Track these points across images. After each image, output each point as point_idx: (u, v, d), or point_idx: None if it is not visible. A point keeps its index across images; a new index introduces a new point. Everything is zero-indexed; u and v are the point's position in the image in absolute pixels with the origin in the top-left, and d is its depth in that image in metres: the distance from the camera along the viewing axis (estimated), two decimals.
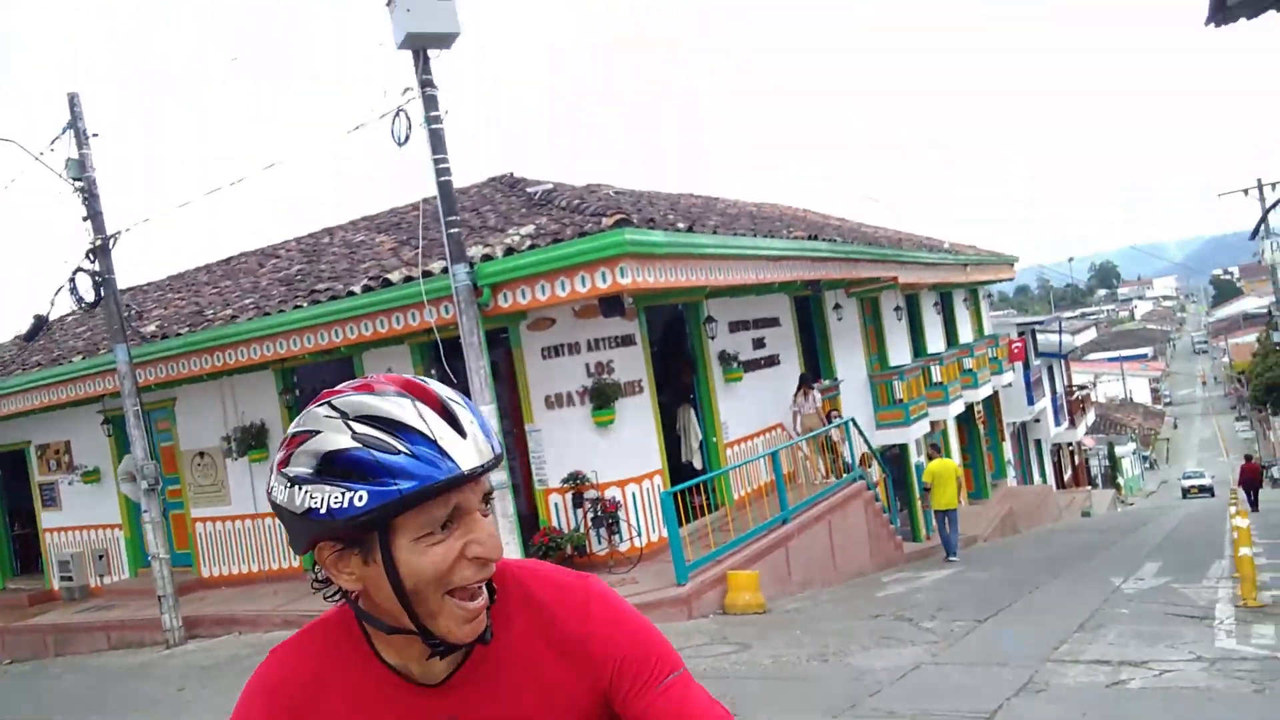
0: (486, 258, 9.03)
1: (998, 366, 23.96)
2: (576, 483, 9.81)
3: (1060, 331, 32.93)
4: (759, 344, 13.22)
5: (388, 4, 8.36)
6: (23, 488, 15.70)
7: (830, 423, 12.98)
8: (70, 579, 13.90)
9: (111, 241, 11.00)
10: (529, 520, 10.07)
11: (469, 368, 8.81)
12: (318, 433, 1.01)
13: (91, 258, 11.10)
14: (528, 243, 9.07)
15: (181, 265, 18.84)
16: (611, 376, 9.93)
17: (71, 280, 11.21)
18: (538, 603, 1.14)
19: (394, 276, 9.76)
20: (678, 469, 10.97)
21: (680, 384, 11.88)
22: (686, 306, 11.66)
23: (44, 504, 15.26)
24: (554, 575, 1.17)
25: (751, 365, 12.73)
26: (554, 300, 8.93)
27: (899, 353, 18.54)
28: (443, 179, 8.71)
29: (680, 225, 9.62)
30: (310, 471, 1.00)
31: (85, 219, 11.01)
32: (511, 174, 13.84)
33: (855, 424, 13.25)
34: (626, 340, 10.22)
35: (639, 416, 10.21)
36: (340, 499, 0.98)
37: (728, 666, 6.67)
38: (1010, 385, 25.46)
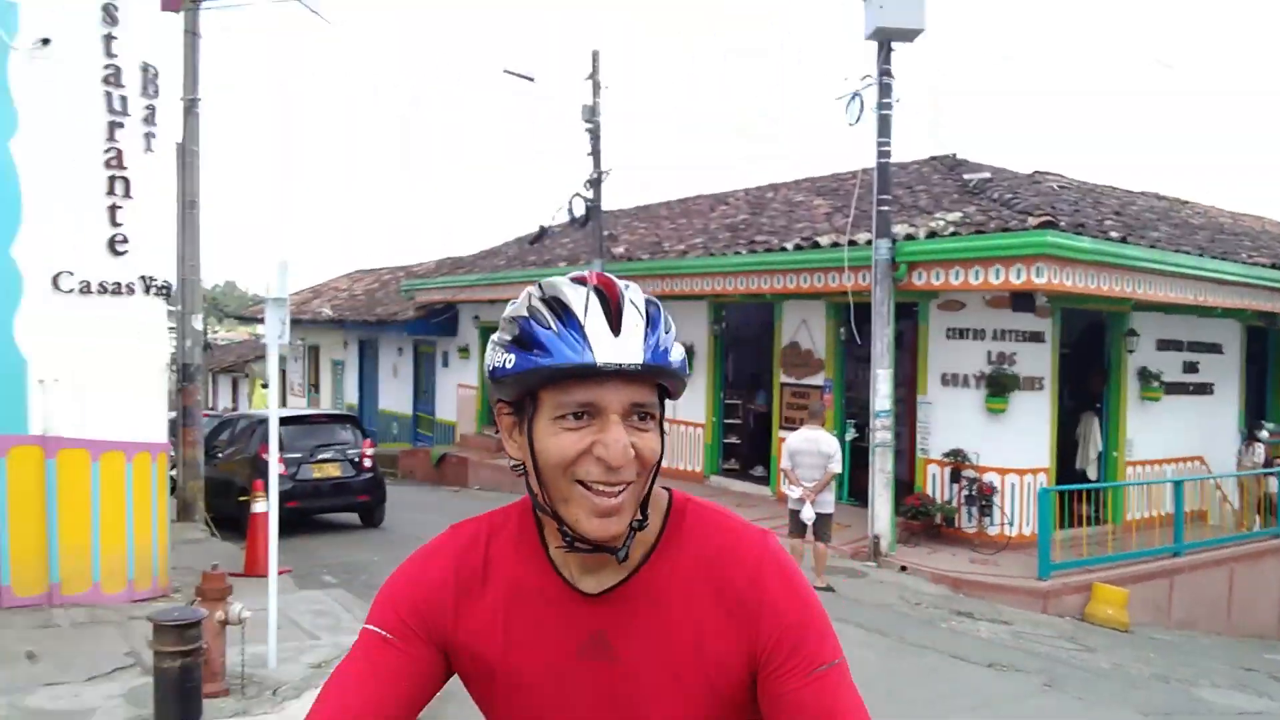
0: (909, 237, 9.75)
1: None
2: (957, 459, 10.32)
3: None
4: (1190, 368, 12.35)
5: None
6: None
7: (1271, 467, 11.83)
8: None
9: (604, 176, 13.40)
10: (906, 485, 10.79)
11: (873, 333, 9.69)
12: (517, 305, 1.08)
13: (587, 186, 13.62)
14: (950, 229, 9.62)
15: (648, 198, 21.64)
16: (1011, 368, 10.20)
17: (569, 202, 13.88)
18: (712, 547, 1.12)
19: (823, 240, 10.86)
20: (1069, 474, 10.93)
21: (1088, 391, 11.65)
22: (1109, 315, 11.35)
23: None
24: (734, 524, 1.15)
25: (1176, 388, 12.00)
26: (966, 287, 9.43)
27: None
28: (882, 160, 9.55)
29: (1113, 234, 9.49)
30: (500, 335, 1.07)
31: (588, 154, 13.51)
32: (954, 155, 14.12)
33: None
34: (1034, 336, 10.36)
35: (1034, 411, 10.37)
36: (501, 360, 1.05)
37: (1062, 655, 7.02)
38: None
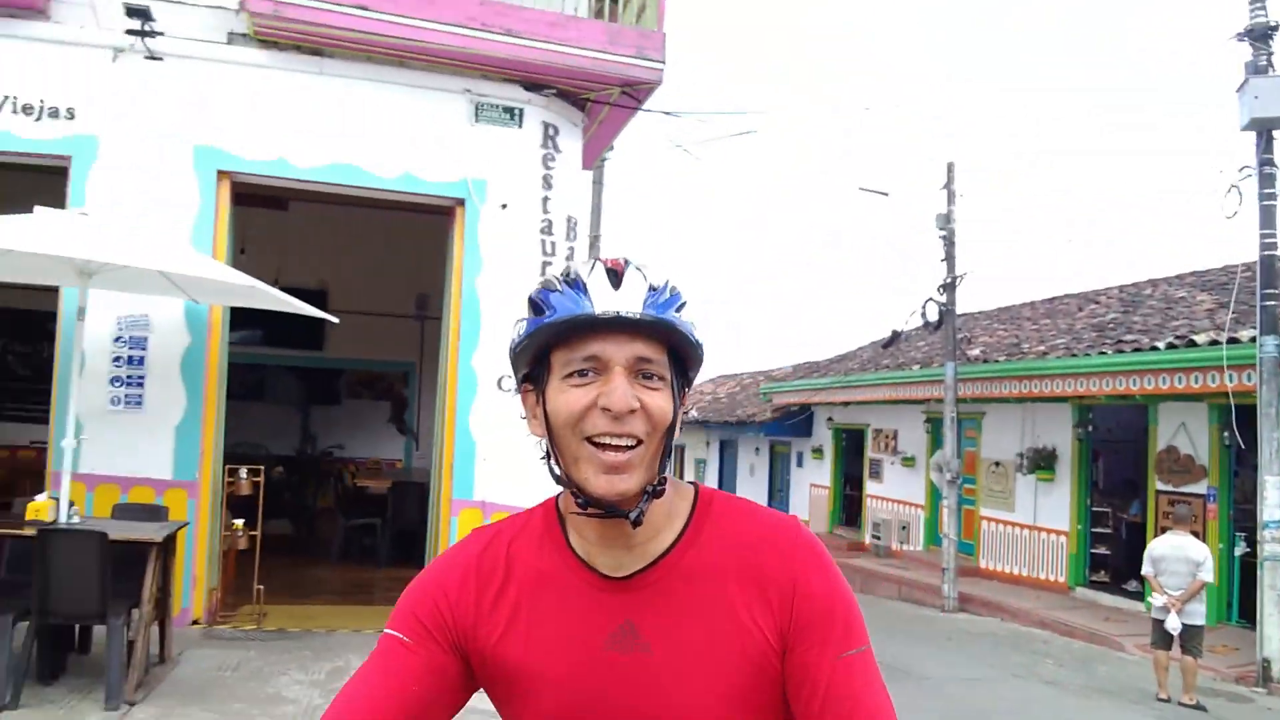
0: None
1: None
2: None
3: None
4: None
5: (1237, 90, 8.92)
6: (857, 460, 19.99)
7: None
8: (879, 538, 17.46)
9: (958, 280, 13.64)
10: None
11: (1261, 436, 8.92)
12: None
13: (941, 291, 13.92)
14: None
15: (1008, 299, 21.12)
16: None
17: (923, 307, 14.24)
18: (742, 532, 1.12)
19: (1200, 338, 10.21)
20: None
21: None
22: None
23: (870, 475, 19.24)
24: (762, 511, 1.15)
25: None
26: None
27: None
28: (1266, 253, 8.94)
29: None
30: (519, 318, 1.09)
31: (942, 260, 13.86)
32: None
33: None
34: None
35: None
36: (516, 333, 1.08)
37: None
38: None
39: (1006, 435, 14.75)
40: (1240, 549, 10.39)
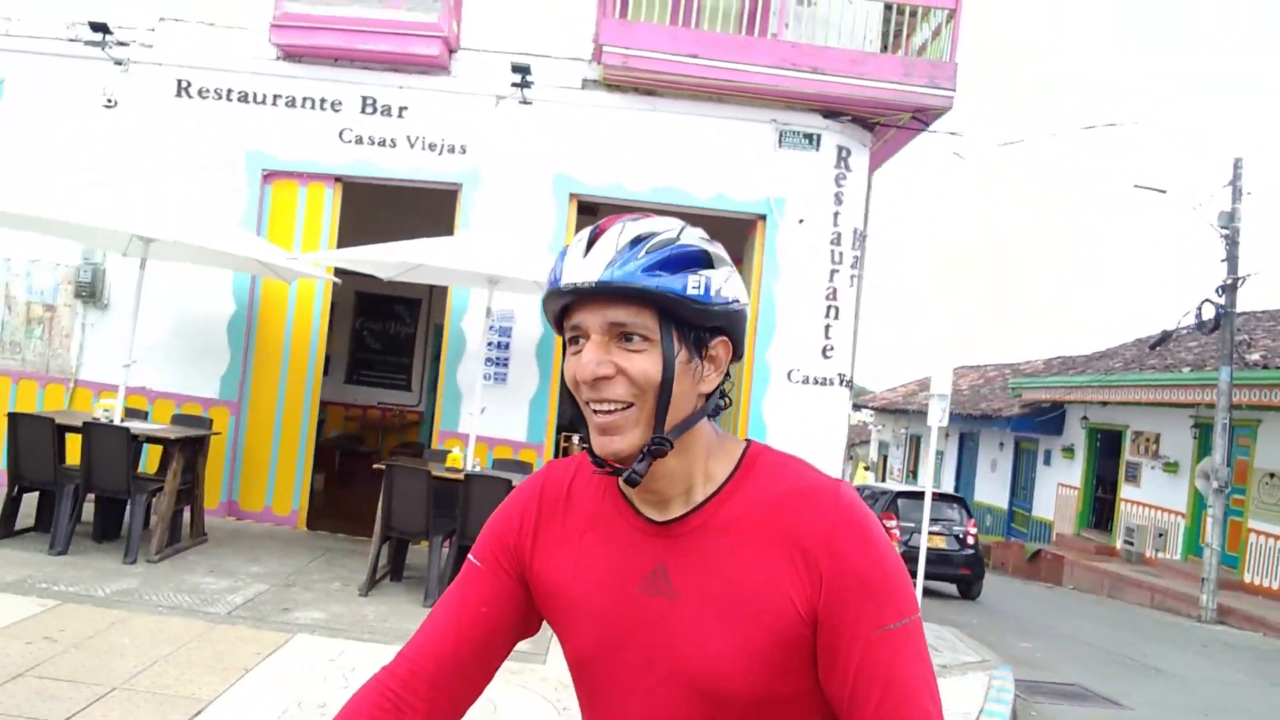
0: None
1: None
2: None
3: None
4: None
5: None
6: (1112, 462, 19.39)
7: None
8: (1131, 544, 17.00)
9: (1240, 281, 13.15)
10: None
11: None
12: None
13: (1219, 292, 13.46)
14: None
15: None
16: None
17: (1199, 307, 13.82)
18: (781, 492, 1.08)
19: None
20: None
21: None
22: None
23: (1126, 478, 18.65)
24: (808, 471, 1.11)
25: None
26: None
27: None
28: None
29: None
30: None
31: (1223, 260, 13.40)
32: None
33: None
34: None
35: None
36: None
37: None
38: None
39: None
40: None
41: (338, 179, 7.89)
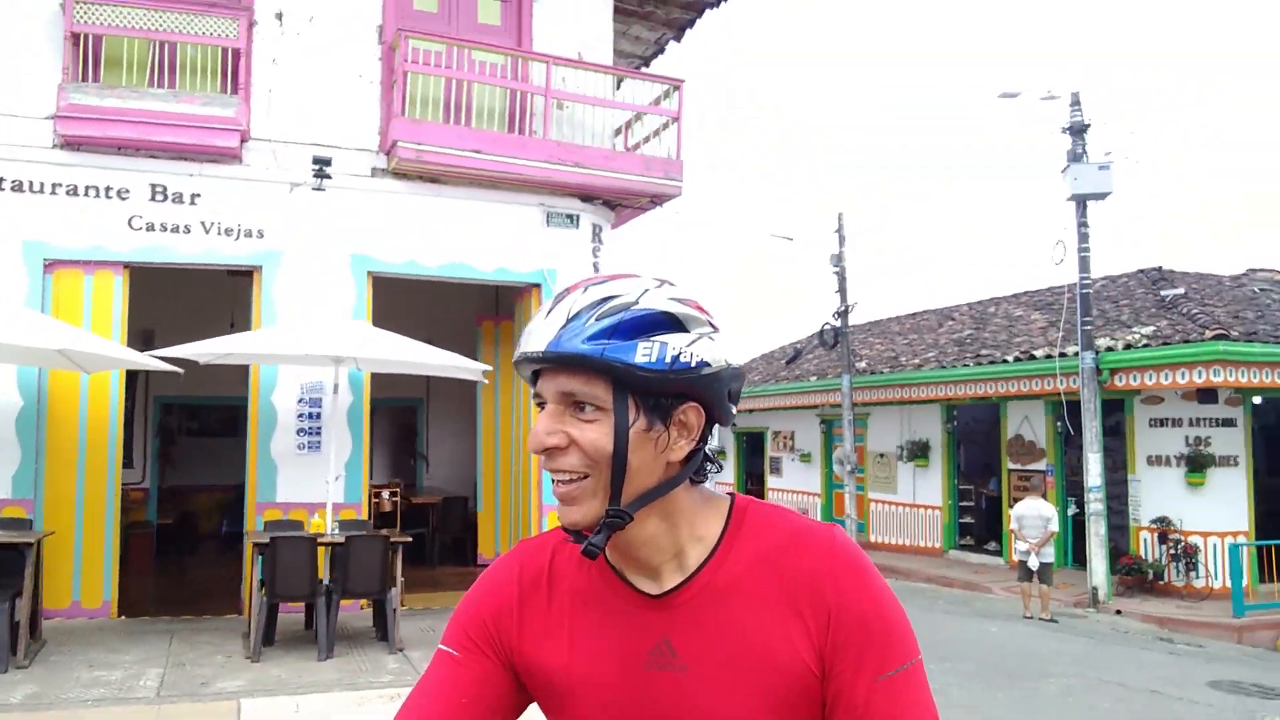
0: (1109, 349, 12.48)
1: None
2: (1164, 525, 12.63)
3: None
4: None
5: (1062, 172, 12.36)
6: (757, 458, 23.15)
7: None
8: None
9: (850, 308, 16.87)
10: (1122, 552, 13.13)
11: (1084, 425, 12.40)
12: None
13: (835, 317, 17.13)
14: (1144, 341, 12.27)
15: (878, 313, 24.84)
16: (1207, 449, 12.50)
17: (820, 330, 17.41)
18: (776, 543, 1.07)
19: (1038, 353, 13.71)
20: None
21: None
22: None
23: (771, 471, 22.42)
24: (798, 520, 1.10)
25: None
26: (1159, 386, 12.02)
27: None
28: (1084, 290, 12.44)
29: None
30: None
31: (836, 291, 17.07)
32: (1159, 268, 16.40)
33: None
34: (1227, 422, 12.64)
35: (1231, 484, 12.56)
36: None
37: (1242, 672, 9.38)
38: None
39: (889, 431, 18.13)
40: (1072, 510, 13.96)
41: (126, 265, 7.92)
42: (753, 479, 23.92)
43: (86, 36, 7.55)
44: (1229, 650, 10.23)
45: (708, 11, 11.06)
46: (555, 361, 1.01)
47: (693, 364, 1.02)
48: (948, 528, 16.76)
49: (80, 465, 7.73)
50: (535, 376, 1.05)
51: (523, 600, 1.14)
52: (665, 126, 9.61)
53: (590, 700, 1.10)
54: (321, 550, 6.85)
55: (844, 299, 16.97)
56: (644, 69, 11.58)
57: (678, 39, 11.66)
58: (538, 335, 1.01)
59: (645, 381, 1.01)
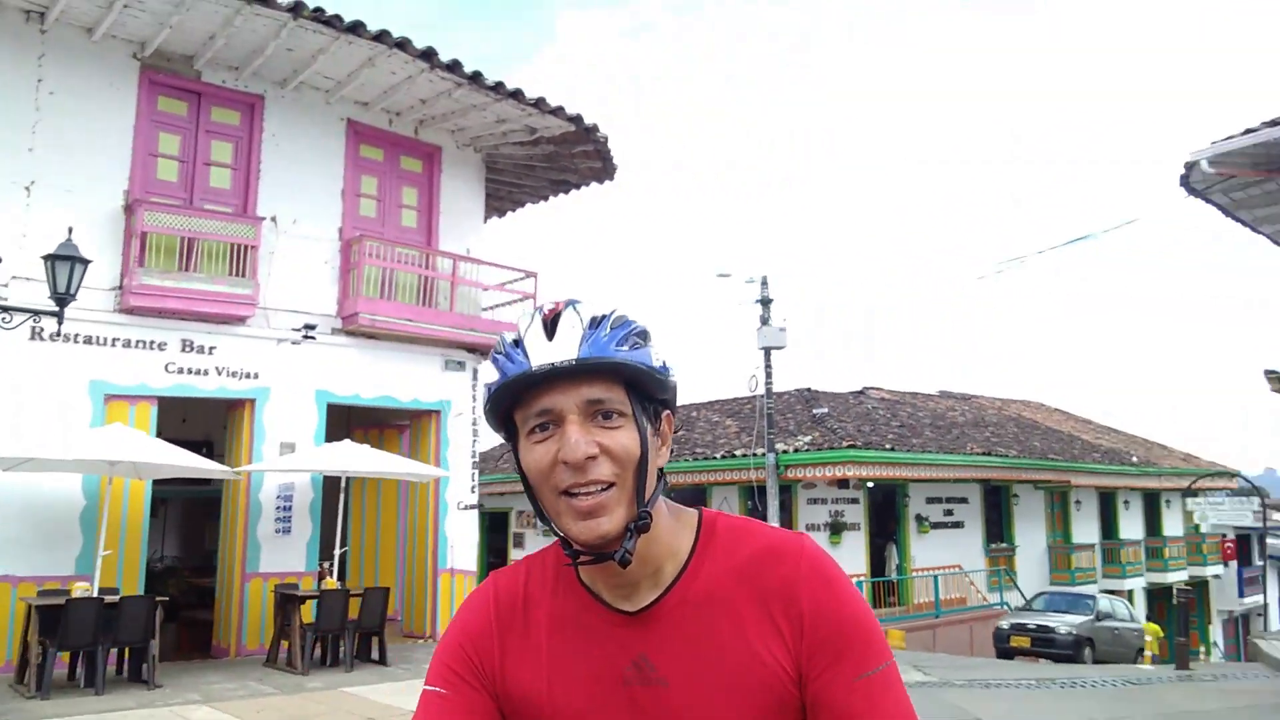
0: (784, 451, 18.44)
1: (1201, 559, 28.85)
2: None
3: None
4: (948, 513, 21.38)
5: (756, 330, 18.27)
6: (502, 535, 27.10)
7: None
8: None
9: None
10: None
11: (768, 504, 18.16)
12: None
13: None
14: (805, 446, 18.37)
15: None
16: (843, 519, 18.80)
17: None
18: (748, 554, 1.11)
19: (737, 453, 19.45)
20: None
21: (888, 529, 20.39)
22: (897, 484, 20.26)
23: (513, 545, 26.46)
24: (767, 529, 1.13)
25: (939, 525, 20.91)
26: (815, 477, 18.11)
27: (1086, 532, 25.38)
28: (769, 411, 18.33)
29: (887, 445, 18.48)
30: None
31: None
32: (810, 389, 23.22)
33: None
34: (853, 500, 19.09)
35: (855, 542, 18.92)
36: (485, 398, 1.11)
37: None
38: (1220, 578, 30.00)
39: None
40: None
41: (159, 399, 10.65)
42: (495, 552, 27.76)
43: (145, 234, 10.42)
44: None
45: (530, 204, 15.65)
46: (586, 370, 1.04)
47: (671, 372, 1.11)
48: None
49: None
50: (515, 401, 1.07)
51: (502, 629, 1.16)
52: (524, 299, 13.93)
53: None
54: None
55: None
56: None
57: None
58: (554, 348, 1.04)
59: (655, 386, 1.08)
